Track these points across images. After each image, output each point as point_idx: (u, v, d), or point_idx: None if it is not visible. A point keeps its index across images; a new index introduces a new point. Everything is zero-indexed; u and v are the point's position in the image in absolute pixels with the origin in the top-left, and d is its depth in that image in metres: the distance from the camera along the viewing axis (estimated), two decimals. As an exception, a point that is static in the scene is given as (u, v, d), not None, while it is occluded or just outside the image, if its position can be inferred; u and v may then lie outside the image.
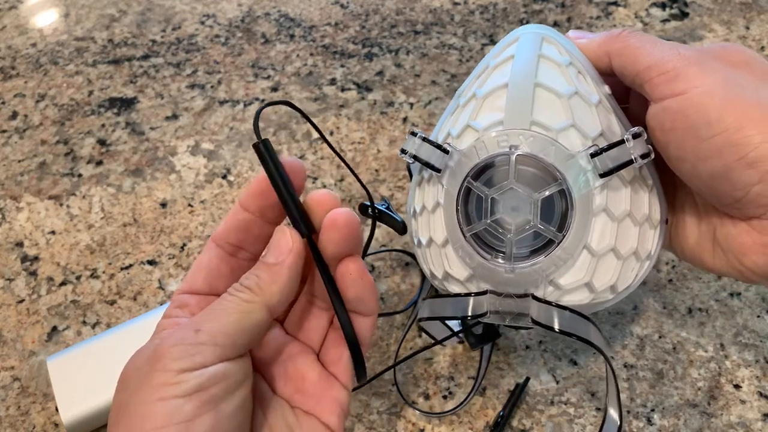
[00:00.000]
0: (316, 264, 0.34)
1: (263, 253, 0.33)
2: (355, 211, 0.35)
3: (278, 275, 0.32)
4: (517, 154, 0.35)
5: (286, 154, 0.61)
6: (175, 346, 0.29)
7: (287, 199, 0.33)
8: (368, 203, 0.41)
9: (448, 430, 0.46)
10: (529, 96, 0.35)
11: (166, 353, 0.29)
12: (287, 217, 0.35)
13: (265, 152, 0.33)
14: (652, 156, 0.35)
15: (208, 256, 0.35)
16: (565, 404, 0.47)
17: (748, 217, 0.34)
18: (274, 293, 0.32)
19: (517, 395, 0.46)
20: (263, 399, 0.34)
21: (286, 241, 0.33)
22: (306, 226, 0.34)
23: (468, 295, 0.36)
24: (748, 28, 0.71)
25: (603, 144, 0.35)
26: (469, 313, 0.36)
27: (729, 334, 0.49)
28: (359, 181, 0.39)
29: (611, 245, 0.35)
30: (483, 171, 0.36)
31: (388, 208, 0.48)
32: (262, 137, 0.33)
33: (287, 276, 0.32)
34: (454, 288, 0.38)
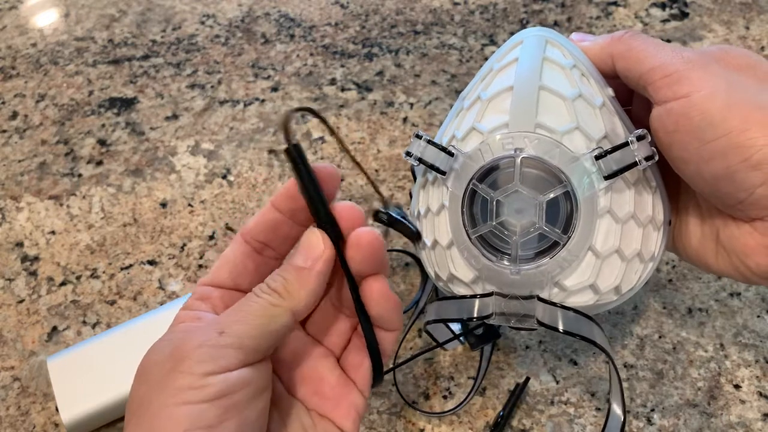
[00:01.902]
0: (344, 273, 0.33)
1: (291, 253, 0.33)
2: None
3: (307, 281, 0.32)
4: (522, 157, 0.35)
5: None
6: (199, 348, 0.29)
7: (317, 206, 0.33)
8: (383, 210, 0.40)
9: (448, 430, 0.46)
10: (534, 99, 0.36)
11: (189, 355, 0.29)
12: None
13: (297, 157, 0.32)
14: (656, 158, 0.35)
15: (234, 250, 0.35)
16: (565, 404, 0.47)
17: (752, 218, 0.34)
18: (302, 299, 0.31)
19: (517, 395, 0.46)
20: (279, 400, 0.34)
21: (318, 245, 0.32)
22: (336, 234, 0.33)
23: (474, 296, 0.36)
24: (748, 28, 0.71)
25: (607, 146, 0.35)
26: (475, 315, 0.36)
27: (729, 334, 0.49)
28: (378, 191, 0.38)
29: (615, 247, 0.35)
30: (488, 173, 0.36)
31: (403, 216, 0.47)
32: (284, 141, 0.32)
33: (316, 282, 0.32)
34: (459, 290, 0.38)
